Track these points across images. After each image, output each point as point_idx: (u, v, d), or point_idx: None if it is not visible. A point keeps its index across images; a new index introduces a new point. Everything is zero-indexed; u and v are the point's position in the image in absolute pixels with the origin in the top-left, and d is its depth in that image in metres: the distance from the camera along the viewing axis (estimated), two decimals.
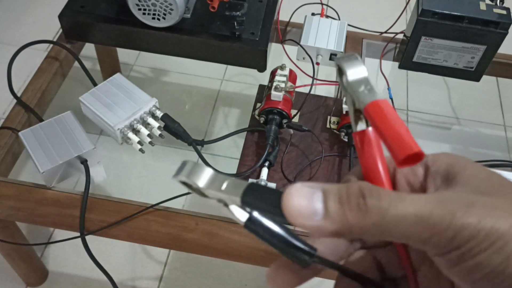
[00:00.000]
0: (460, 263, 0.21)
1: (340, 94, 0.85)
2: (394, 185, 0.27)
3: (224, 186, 0.25)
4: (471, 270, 0.21)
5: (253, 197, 0.24)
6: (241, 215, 0.25)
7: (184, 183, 0.26)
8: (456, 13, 0.82)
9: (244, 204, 0.24)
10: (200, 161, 0.23)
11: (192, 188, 0.26)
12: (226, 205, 0.25)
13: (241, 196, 0.24)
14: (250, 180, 0.72)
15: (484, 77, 0.92)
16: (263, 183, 0.72)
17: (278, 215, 0.23)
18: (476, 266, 0.21)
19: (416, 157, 0.23)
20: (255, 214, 0.25)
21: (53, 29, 1.42)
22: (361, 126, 0.26)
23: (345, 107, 0.79)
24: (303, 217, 0.22)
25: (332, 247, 0.27)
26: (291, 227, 0.25)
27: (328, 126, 0.83)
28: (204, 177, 0.25)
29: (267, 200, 0.24)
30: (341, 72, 0.26)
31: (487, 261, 0.21)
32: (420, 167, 0.26)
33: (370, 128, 0.26)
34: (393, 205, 0.21)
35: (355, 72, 0.25)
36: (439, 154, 0.26)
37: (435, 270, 0.26)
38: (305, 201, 0.22)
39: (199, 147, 0.79)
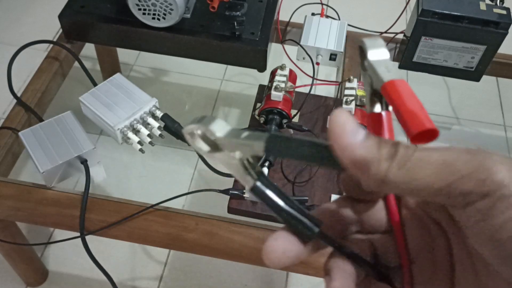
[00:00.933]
0: (487, 218, 0.20)
1: (340, 94, 0.85)
2: None
3: (243, 135, 0.25)
4: (498, 228, 0.20)
5: (276, 143, 0.24)
6: (249, 179, 0.25)
7: (191, 135, 0.26)
8: (456, 13, 0.82)
9: (268, 149, 0.24)
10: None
11: (205, 141, 0.25)
12: (240, 160, 0.25)
13: (265, 141, 0.24)
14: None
15: (484, 77, 0.92)
16: None
17: (304, 158, 0.23)
18: (505, 223, 0.19)
19: (430, 134, 0.23)
20: (263, 180, 0.25)
21: (53, 29, 1.42)
22: (376, 109, 0.26)
23: (345, 107, 0.79)
24: (347, 132, 0.22)
25: (328, 227, 0.26)
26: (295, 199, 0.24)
27: (328, 126, 0.83)
28: (222, 128, 0.25)
29: (291, 147, 0.24)
30: (362, 53, 0.26)
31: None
32: None
33: (384, 112, 0.26)
34: (419, 151, 0.21)
35: (377, 53, 0.26)
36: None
37: (431, 263, 0.26)
38: (352, 123, 0.22)
39: None
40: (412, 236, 0.26)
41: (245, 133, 0.25)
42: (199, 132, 0.26)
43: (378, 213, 0.27)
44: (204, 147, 0.26)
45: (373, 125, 0.26)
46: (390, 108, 0.26)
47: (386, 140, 0.22)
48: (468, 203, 0.21)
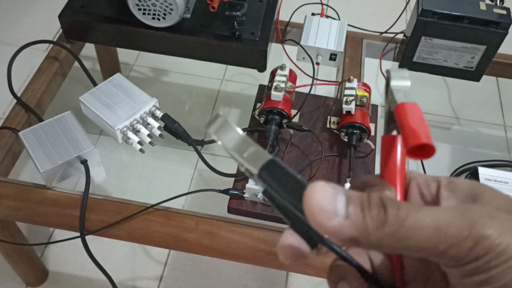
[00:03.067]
0: (473, 275, 0.21)
1: (340, 94, 0.85)
2: (406, 194, 0.27)
3: (246, 153, 0.25)
4: (481, 283, 0.21)
5: (271, 175, 0.24)
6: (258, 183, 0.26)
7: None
8: (456, 13, 0.82)
9: (260, 179, 0.24)
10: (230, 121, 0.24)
11: (219, 143, 0.26)
12: (248, 170, 0.26)
13: (259, 169, 0.24)
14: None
15: (484, 77, 0.92)
16: None
17: (292, 204, 0.23)
18: (488, 279, 0.21)
19: (426, 150, 0.24)
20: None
21: (53, 29, 1.42)
22: (392, 132, 0.28)
23: (344, 107, 0.79)
24: (324, 215, 0.21)
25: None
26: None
27: (328, 126, 0.83)
28: (231, 138, 0.26)
29: (284, 184, 0.24)
30: (388, 82, 0.28)
31: (500, 276, 0.20)
32: (434, 182, 0.27)
33: (399, 136, 0.27)
34: (411, 215, 0.21)
35: (399, 80, 0.28)
36: (457, 178, 0.27)
37: None
38: (328, 199, 0.21)
39: (199, 147, 0.79)
40: (410, 261, 0.27)
41: (249, 150, 0.25)
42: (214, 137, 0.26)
43: None
44: (224, 147, 0.27)
45: (387, 146, 0.28)
46: None
47: (371, 201, 0.21)
48: (458, 265, 0.22)
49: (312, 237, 0.25)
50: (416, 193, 0.27)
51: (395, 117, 0.26)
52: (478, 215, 0.21)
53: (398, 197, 0.27)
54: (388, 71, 0.28)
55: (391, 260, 0.27)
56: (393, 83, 0.28)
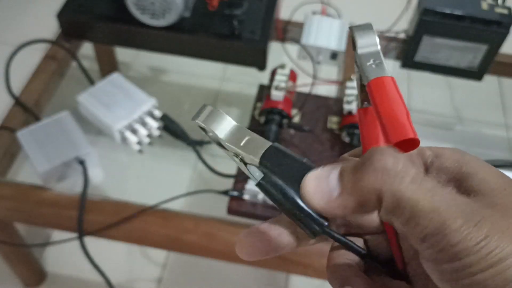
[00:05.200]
0: (453, 279, 0.20)
1: (342, 93, 0.84)
2: None
3: (243, 141, 0.24)
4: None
5: (273, 162, 0.23)
6: (256, 173, 0.25)
7: (202, 128, 0.25)
8: (457, 13, 0.82)
9: (262, 167, 0.23)
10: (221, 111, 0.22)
11: (209, 135, 0.25)
12: (242, 160, 0.24)
13: (260, 158, 0.23)
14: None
15: (486, 77, 0.91)
16: None
17: (296, 190, 0.23)
18: (470, 285, 0.20)
19: (410, 143, 0.22)
20: (268, 177, 0.24)
21: (51, 28, 1.41)
22: (367, 103, 0.25)
23: (345, 107, 0.78)
24: (321, 200, 0.21)
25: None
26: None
27: (328, 126, 0.82)
28: (223, 127, 0.24)
29: (287, 170, 0.23)
30: (354, 43, 0.25)
31: (483, 283, 0.19)
32: (419, 157, 0.24)
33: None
34: (415, 182, 0.20)
35: (366, 44, 0.24)
36: (444, 148, 0.24)
37: (424, 273, 0.25)
38: (322, 183, 0.22)
39: (198, 148, 0.79)
40: (407, 243, 0.25)
41: (246, 139, 0.24)
42: (201, 126, 0.25)
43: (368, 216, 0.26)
44: (214, 139, 0.25)
45: (364, 120, 0.25)
46: None
47: (366, 165, 0.21)
48: (436, 260, 0.20)
49: (314, 227, 0.24)
50: None
51: (368, 93, 0.23)
52: (468, 213, 0.20)
53: None
54: (351, 29, 0.24)
55: (388, 241, 0.26)
56: (360, 49, 0.24)
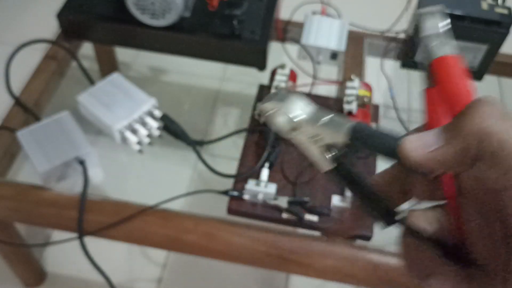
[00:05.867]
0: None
1: (342, 93, 0.84)
2: None
3: (324, 120, 0.24)
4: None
5: (361, 136, 0.24)
6: (327, 161, 0.25)
7: (265, 116, 0.25)
8: (457, 13, 0.82)
9: (352, 141, 0.24)
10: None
11: (277, 120, 0.24)
12: (318, 142, 0.24)
13: (349, 132, 0.23)
14: (250, 181, 0.71)
15: (486, 77, 0.91)
16: (262, 183, 0.71)
17: (390, 156, 0.23)
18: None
19: None
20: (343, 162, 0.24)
21: (51, 28, 1.41)
22: (432, 83, 0.26)
23: (345, 107, 0.78)
24: (420, 153, 0.22)
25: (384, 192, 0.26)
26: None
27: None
28: (301, 110, 0.25)
29: (376, 141, 0.23)
30: (418, 28, 0.26)
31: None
32: None
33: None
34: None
35: (431, 26, 0.26)
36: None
37: (487, 248, 0.24)
38: (422, 138, 0.23)
39: (198, 148, 0.79)
40: (468, 216, 0.25)
41: (326, 118, 0.24)
42: (277, 112, 0.25)
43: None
44: (283, 127, 0.25)
45: (428, 99, 0.26)
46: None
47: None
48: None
49: (386, 216, 0.24)
50: None
51: (432, 72, 0.25)
52: None
53: None
54: (418, 13, 0.26)
55: (448, 214, 0.25)
56: (425, 31, 0.25)
